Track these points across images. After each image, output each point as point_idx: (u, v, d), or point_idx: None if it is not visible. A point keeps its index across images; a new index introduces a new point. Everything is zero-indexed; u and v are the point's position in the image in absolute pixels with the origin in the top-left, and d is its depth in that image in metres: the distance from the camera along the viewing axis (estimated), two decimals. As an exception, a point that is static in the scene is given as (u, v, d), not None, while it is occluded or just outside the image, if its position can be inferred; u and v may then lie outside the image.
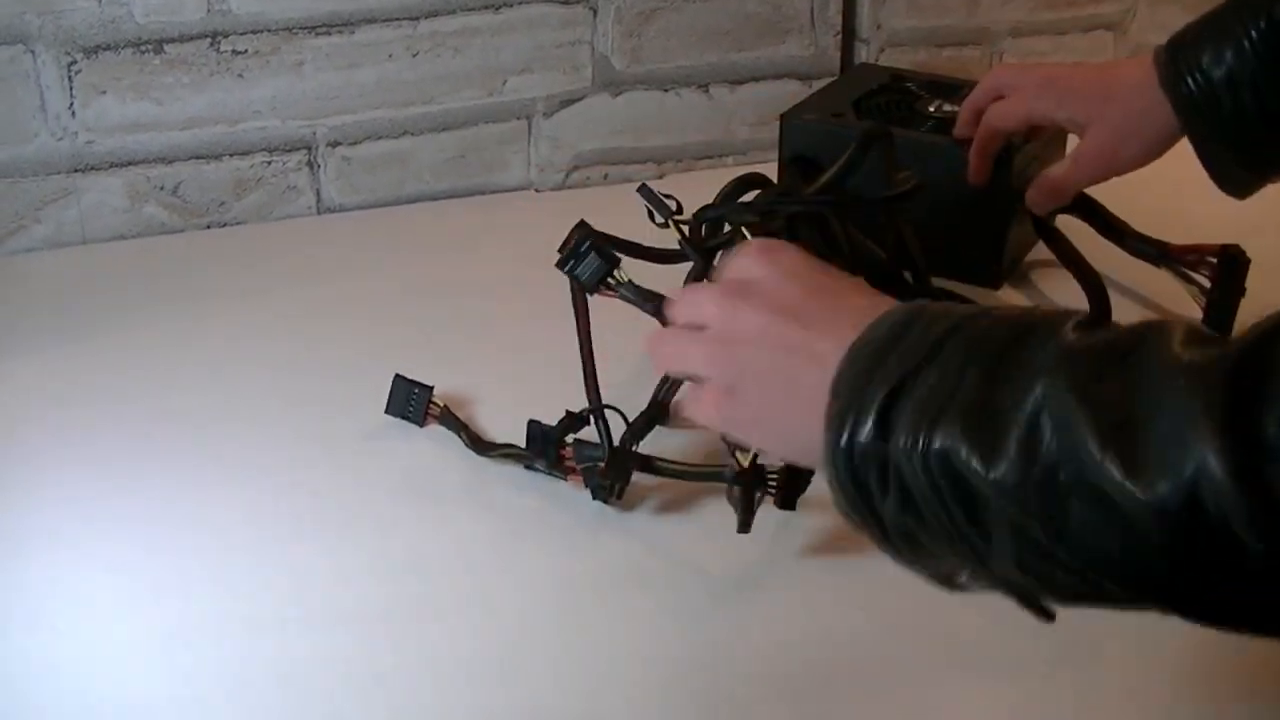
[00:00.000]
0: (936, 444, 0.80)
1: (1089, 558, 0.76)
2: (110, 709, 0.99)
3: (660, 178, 1.77)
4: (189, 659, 1.03)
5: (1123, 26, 1.91)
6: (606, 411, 1.19)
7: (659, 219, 1.23)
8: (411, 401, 1.27)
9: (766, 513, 1.13)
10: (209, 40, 1.57)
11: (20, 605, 1.09)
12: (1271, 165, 1.32)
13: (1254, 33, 1.26)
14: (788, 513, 1.14)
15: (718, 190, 1.43)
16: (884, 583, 1.00)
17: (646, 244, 1.26)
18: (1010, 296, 1.50)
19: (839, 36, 1.79)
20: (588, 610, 1.08)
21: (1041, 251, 1.54)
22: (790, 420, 0.89)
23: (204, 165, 1.62)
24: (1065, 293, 1.48)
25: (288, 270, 1.56)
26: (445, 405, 1.26)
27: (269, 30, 1.59)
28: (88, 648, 1.05)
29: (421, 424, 1.27)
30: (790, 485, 1.14)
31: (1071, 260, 1.48)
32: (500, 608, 1.08)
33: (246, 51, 1.59)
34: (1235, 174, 1.32)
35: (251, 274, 1.56)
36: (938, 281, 1.46)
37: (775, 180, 1.47)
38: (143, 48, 1.55)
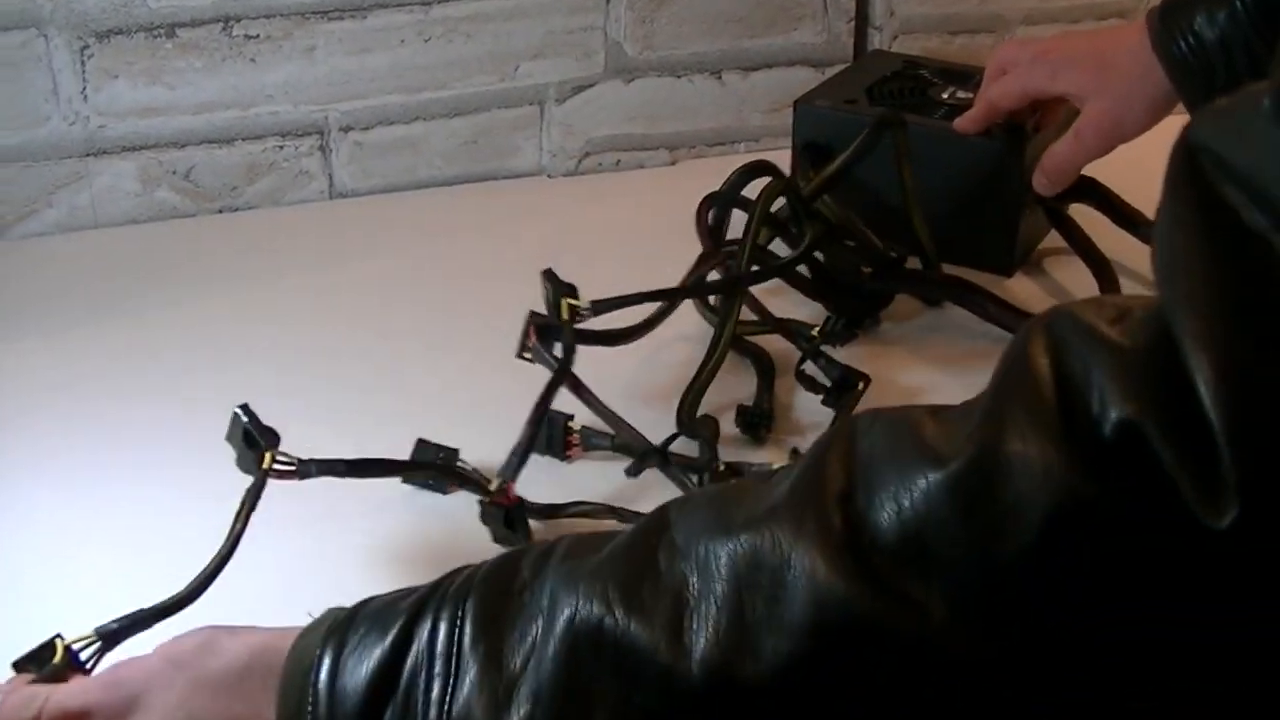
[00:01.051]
0: None
1: None
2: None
3: (673, 164, 1.77)
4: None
5: (1136, 13, 1.90)
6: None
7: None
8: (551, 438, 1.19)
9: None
10: (221, 24, 1.57)
11: (23, 586, 1.10)
12: None
13: None
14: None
15: (726, 178, 1.43)
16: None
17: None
18: (1023, 284, 1.49)
19: (852, 23, 1.79)
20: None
21: (1054, 239, 1.54)
22: None
23: (216, 150, 1.62)
24: (1077, 280, 1.48)
25: (299, 255, 1.56)
26: (584, 427, 1.20)
27: (281, 15, 1.58)
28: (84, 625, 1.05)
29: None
30: None
31: (1083, 247, 1.48)
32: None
33: (259, 36, 1.59)
34: None
35: (263, 258, 1.56)
36: (950, 270, 1.46)
37: (784, 169, 1.46)
38: (155, 32, 1.55)
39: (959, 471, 0.62)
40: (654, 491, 1.17)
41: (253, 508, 1.01)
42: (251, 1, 1.57)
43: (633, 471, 1.17)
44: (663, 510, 0.71)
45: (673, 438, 1.20)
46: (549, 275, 1.19)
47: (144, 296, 1.48)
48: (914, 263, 1.46)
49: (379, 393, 1.29)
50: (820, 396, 1.27)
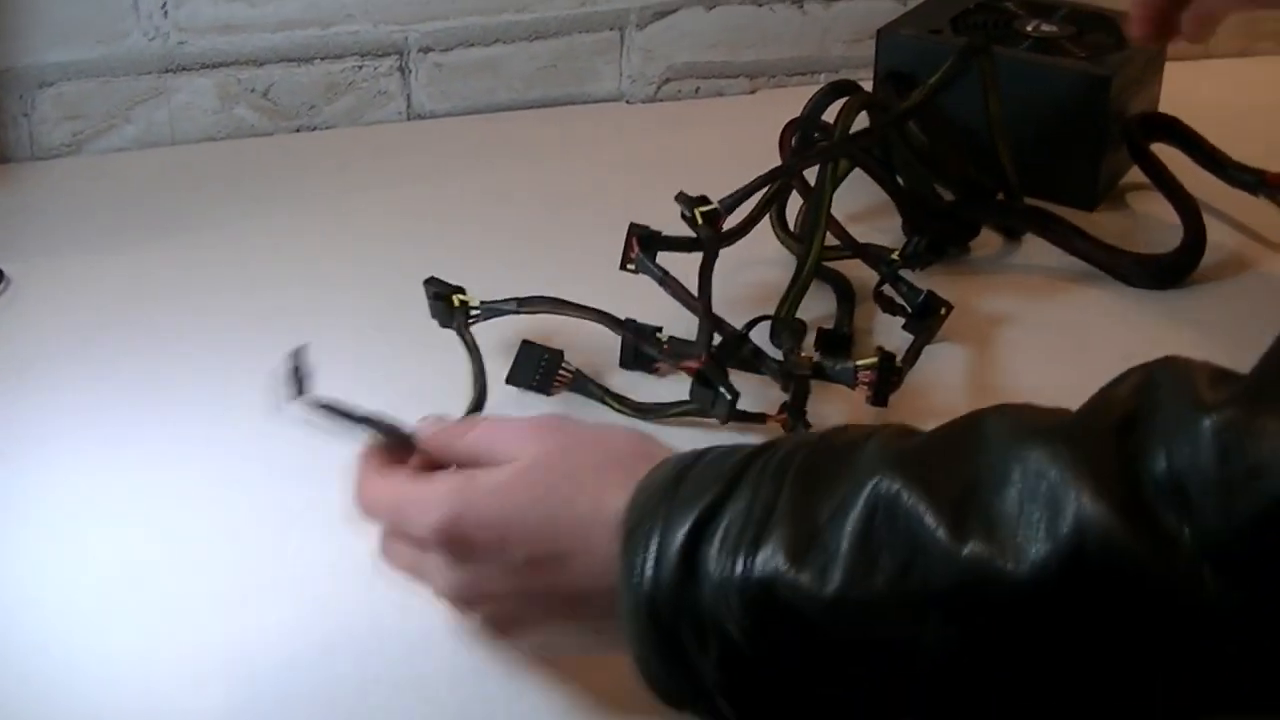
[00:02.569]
0: (757, 571, 0.71)
1: (952, 669, 0.68)
2: (148, 619, 1.00)
3: (753, 93, 1.76)
4: (246, 567, 1.04)
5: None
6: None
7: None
8: (540, 369, 1.19)
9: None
10: (304, -58, 1.57)
11: (80, 495, 1.10)
12: None
13: None
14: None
15: (807, 104, 1.42)
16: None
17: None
18: (1105, 218, 1.48)
19: (937, -46, 1.78)
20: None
21: (1138, 175, 1.53)
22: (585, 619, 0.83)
23: (295, 68, 1.62)
24: (1160, 215, 1.46)
25: (377, 175, 1.56)
26: (579, 369, 1.20)
27: (364, -66, 1.58)
28: (140, 540, 1.06)
29: (549, 393, 1.19)
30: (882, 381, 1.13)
31: (1166, 185, 1.46)
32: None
33: (341, -46, 1.59)
34: None
35: (340, 178, 1.55)
36: (1032, 202, 1.45)
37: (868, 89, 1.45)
38: (237, -52, 1.55)
39: (1220, 425, 0.64)
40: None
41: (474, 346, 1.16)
42: (334, -81, 1.57)
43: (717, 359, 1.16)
44: (977, 412, 0.73)
45: (753, 322, 1.22)
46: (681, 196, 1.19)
47: (220, 213, 1.48)
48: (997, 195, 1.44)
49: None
50: (901, 321, 1.26)
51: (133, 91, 1.58)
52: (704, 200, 1.19)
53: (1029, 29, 1.55)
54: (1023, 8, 1.60)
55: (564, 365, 1.18)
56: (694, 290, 1.15)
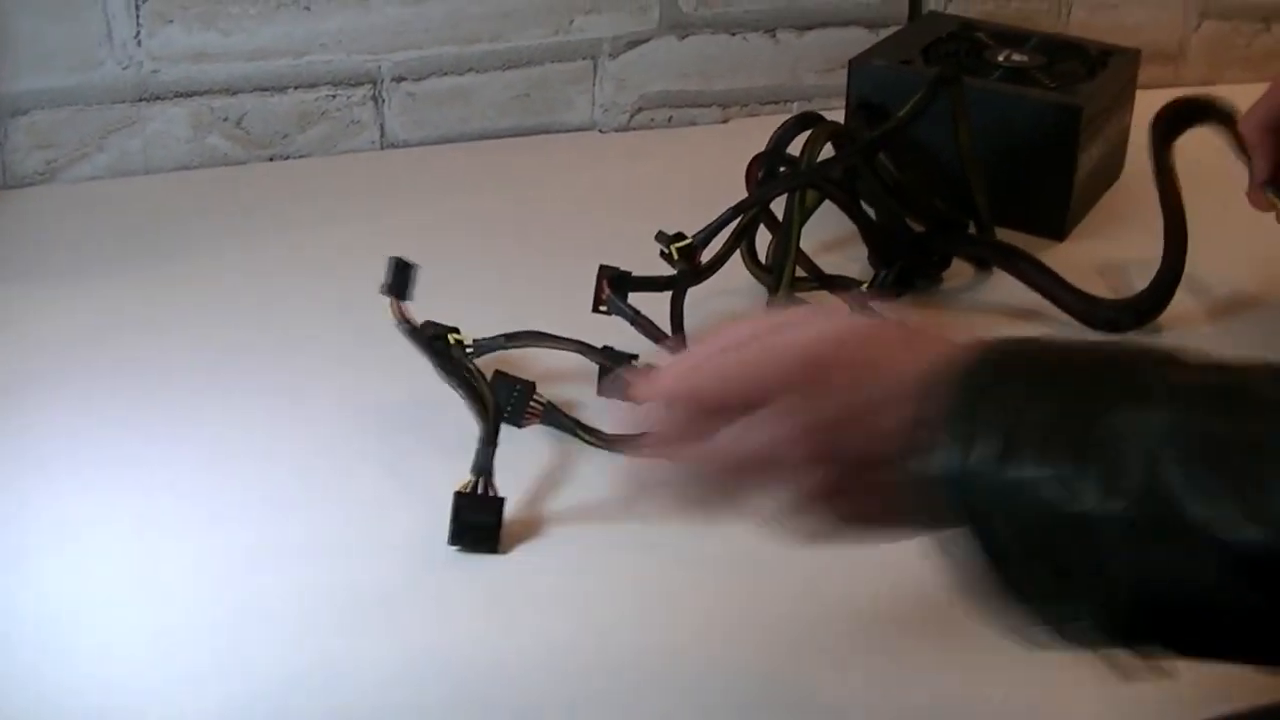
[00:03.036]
0: (1047, 472, 0.73)
1: (1218, 603, 0.70)
2: (151, 634, 1.00)
3: (725, 122, 1.76)
4: (253, 584, 1.04)
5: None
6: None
7: None
8: (512, 401, 1.19)
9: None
10: (277, -29, 1.57)
11: (61, 529, 1.10)
12: None
13: None
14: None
15: (772, 136, 1.42)
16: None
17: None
18: (1076, 247, 1.49)
19: (908, -16, 1.78)
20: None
21: (1106, 205, 1.54)
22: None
23: (268, 97, 1.62)
24: (1133, 247, 1.47)
25: (350, 204, 1.56)
26: (550, 402, 1.20)
27: (337, -37, 1.59)
28: (126, 568, 1.06)
29: (520, 424, 1.19)
30: None
31: (1169, 203, 1.42)
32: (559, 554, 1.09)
33: (314, -16, 1.59)
34: None
35: (313, 207, 1.55)
36: (1002, 232, 1.46)
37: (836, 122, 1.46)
38: (210, -23, 1.56)
39: None
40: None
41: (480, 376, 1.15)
42: (307, -51, 1.57)
43: None
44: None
45: None
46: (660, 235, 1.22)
47: (192, 243, 1.48)
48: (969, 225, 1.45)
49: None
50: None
51: (106, 120, 1.58)
52: (680, 236, 1.20)
53: (1000, 59, 1.56)
54: (994, 38, 1.61)
55: (535, 397, 1.18)
56: (667, 322, 1.16)
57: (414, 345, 1.11)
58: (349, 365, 1.28)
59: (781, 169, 1.41)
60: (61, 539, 1.09)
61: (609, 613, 1.02)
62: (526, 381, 1.18)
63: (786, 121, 1.43)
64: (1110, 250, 1.49)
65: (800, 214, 1.30)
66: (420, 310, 1.17)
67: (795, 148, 1.40)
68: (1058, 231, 1.50)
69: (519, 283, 1.40)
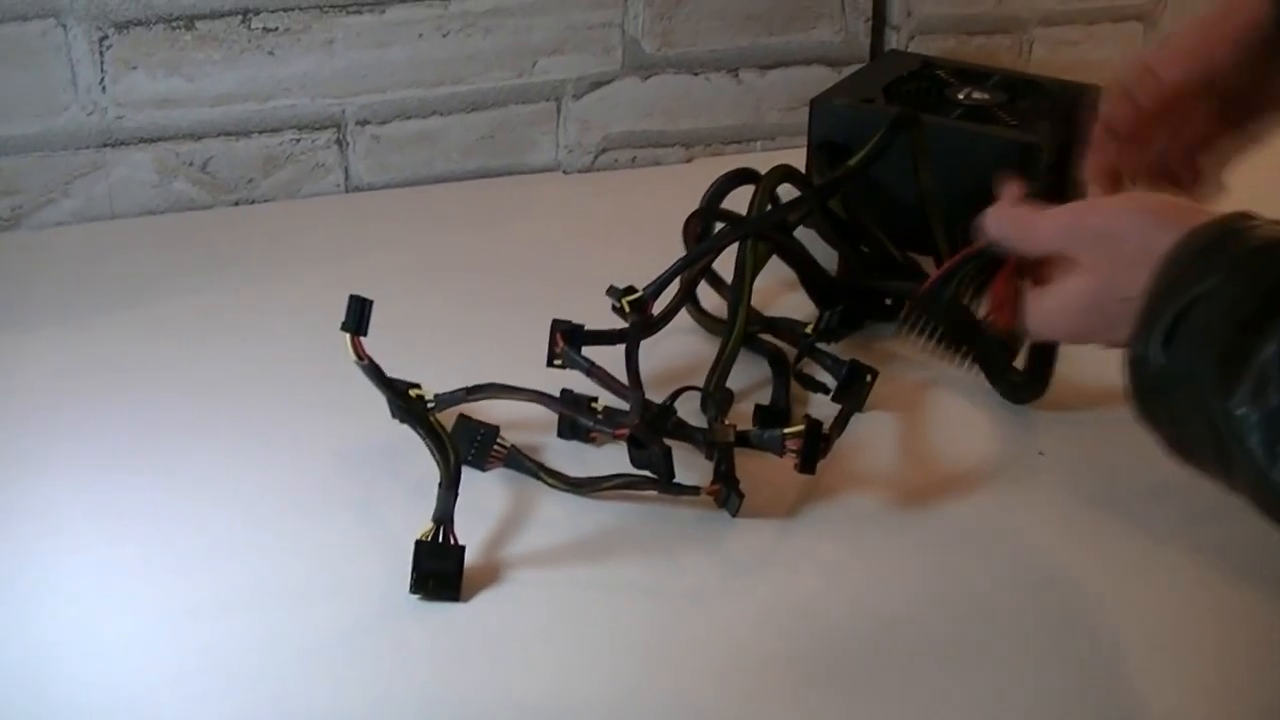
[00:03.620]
0: (1197, 365, 0.81)
1: None
2: (118, 686, 1.00)
3: (688, 161, 1.77)
4: (214, 630, 1.04)
5: (1153, 17, 1.90)
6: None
7: None
8: (476, 444, 1.19)
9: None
10: (240, 17, 1.57)
11: (31, 577, 1.10)
12: None
13: None
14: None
15: (764, 176, 1.43)
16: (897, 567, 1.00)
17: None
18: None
19: (869, 22, 1.79)
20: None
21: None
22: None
23: (233, 142, 1.63)
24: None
25: (315, 248, 1.56)
26: (514, 445, 1.21)
27: (300, 8, 1.59)
28: (102, 616, 1.06)
29: (484, 468, 1.19)
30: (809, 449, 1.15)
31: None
32: (528, 594, 1.09)
33: (277, 29, 1.59)
34: None
35: (279, 251, 1.56)
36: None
37: (799, 167, 1.47)
38: (174, 23, 1.56)
39: None
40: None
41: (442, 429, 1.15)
42: (270, -6, 1.58)
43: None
44: None
45: (679, 392, 1.25)
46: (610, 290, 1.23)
47: (159, 288, 1.48)
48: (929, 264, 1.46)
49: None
50: (827, 394, 1.28)
51: (71, 166, 1.58)
52: (631, 290, 1.21)
53: (960, 96, 1.57)
54: (955, 75, 1.62)
55: (499, 441, 1.19)
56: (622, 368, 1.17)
57: (372, 382, 1.12)
58: (316, 408, 1.28)
59: (721, 223, 1.41)
60: (21, 584, 1.09)
61: (571, 658, 1.02)
62: (490, 426, 1.19)
63: (718, 179, 1.42)
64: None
65: (753, 263, 1.31)
66: (386, 351, 1.17)
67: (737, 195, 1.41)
68: (1020, 269, 1.51)
69: (484, 324, 1.41)
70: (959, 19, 1.83)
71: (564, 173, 1.75)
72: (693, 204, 1.43)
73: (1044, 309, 1.00)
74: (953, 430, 1.27)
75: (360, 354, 1.10)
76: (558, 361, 1.20)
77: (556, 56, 1.69)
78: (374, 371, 1.11)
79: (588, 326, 1.21)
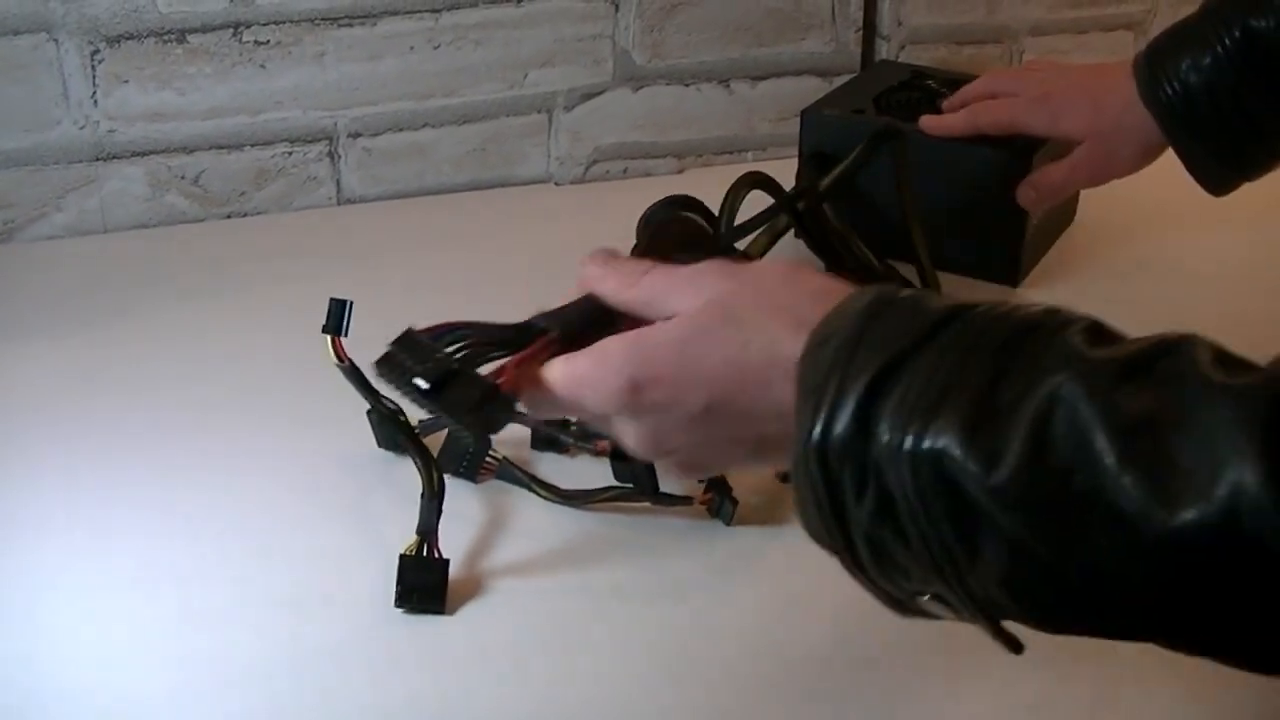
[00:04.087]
0: (927, 445, 0.73)
1: (1096, 581, 0.71)
2: (109, 697, 1.00)
3: (680, 172, 1.77)
4: (200, 645, 1.04)
5: (1144, 26, 1.90)
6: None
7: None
8: (466, 456, 1.20)
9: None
10: (231, 30, 1.58)
11: (25, 589, 1.10)
12: (1252, 164, 1.35)
13: (1228, 41, 1.29)
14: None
15: (730, 187, 1.43)
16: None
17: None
18: (1029, 295, 1.50)
19: (860, 33, 1.79)
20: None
21: (1060, 250, 1.55)
22: (763, 445, 0.87)
23: (225, 155, 1.63)
24: (1086, 290, 1.48)
25: (307, 260, 1.56)
26: (505, 457, 1.21)
27: (291, 21, 1.59)
28: (92, 628, 1.06)
29: (475, 480, 1.21)
30: None
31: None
32: (512, 602, 1.09)
33: (269, 42, 1.59)
34: (1215, 173, 1.36)
35: (272, 264, 1.56)
36: (954, 279, 1.47)
37: (790, 178, 1.47)
38: (165, 37, 1.56)
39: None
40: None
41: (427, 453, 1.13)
42: (261, 8, 1.57)
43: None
44: (1178, 340, 0.74)
45: None
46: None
47: (152, 301, 1.48)
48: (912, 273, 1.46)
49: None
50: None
51: (63, 180, 1.59)
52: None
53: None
54: (945, 85, 1.62)
55: (491, 453, 1.19)
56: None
57: (352, 385, 1.12)
58: (308, 420, 1.28)
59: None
60: (13, 594, 1.09)
61: (559, 667, 1.02)
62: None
63: (653, 205, 1.39)
64: (1064, 296, 1.49)
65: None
66: (370, 368, 1.18)
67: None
68: (1012, 278, 1.51)
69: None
70: (949, 29, 1.84)
71: (555, 184, 1.75)
72: (684, 215, 1.43)
73: (635, 352, 0.88)
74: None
75: (341, 356, 1.10)
76: None
77: (547, 68, 1.70)
78: (354, 374, 1.11)
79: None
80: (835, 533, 0.79)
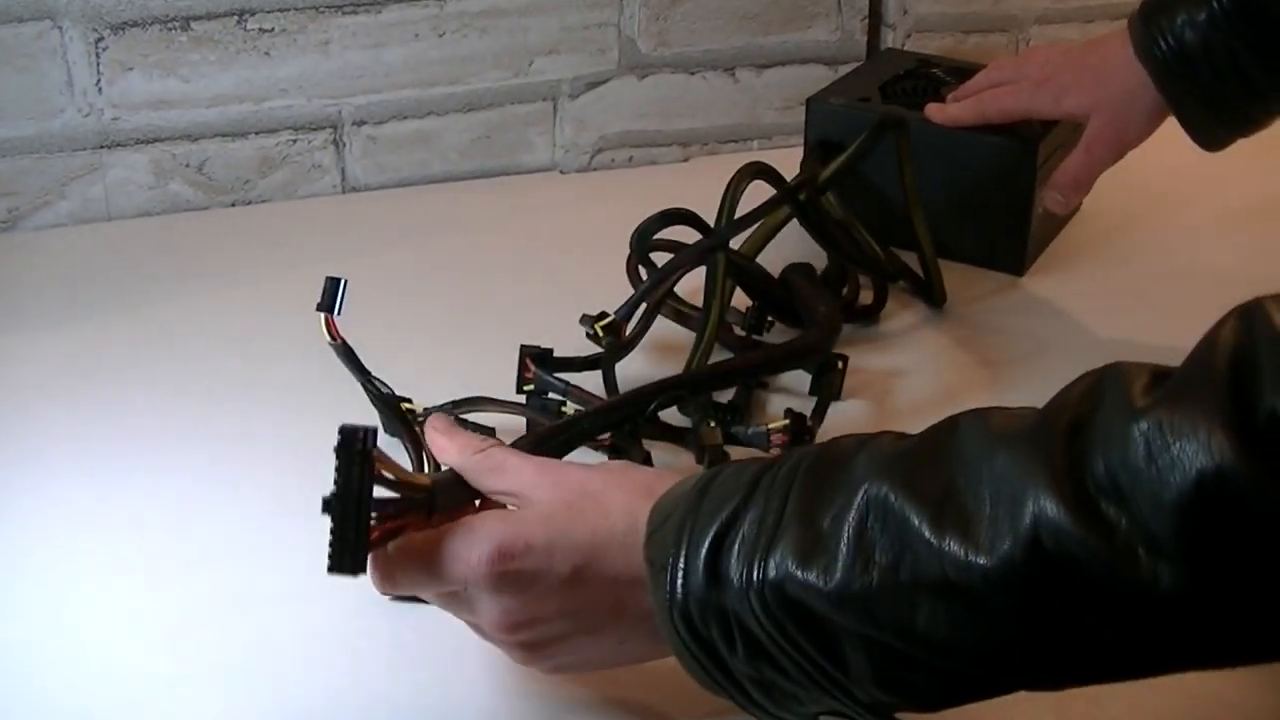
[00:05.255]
0: (770, 574, 0.80)
1: (944, 650, 0.77)
2: (109, 686, 1.00)
3: (685, 161, 1.77)
4: (205, 633, 1.04)
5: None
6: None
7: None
8: None
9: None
10: (236, 18, 1.57)
11: (22, 575, 1.10)
12: (1246, 120, 1.34)
13: None
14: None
15: (731, 177, 1.42)
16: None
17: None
18: (1034, 284, 1.50)
19: (865, 21, 1.79)
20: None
21: (1065, 239, 1.54)
22: (623, 635, 0.90)
23: (229, 143, 1.63)
24: (1092, 278, 1.48)
25: (312, 249, 1.56)
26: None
27: (296, 8, 1.59)
28: (94, 619, 1.06)
29: None
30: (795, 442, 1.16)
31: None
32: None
33: (273, 29, 1.59)
34: (1211, 130, 1.35)
35: (276, 252, 1.56)
36: (960, 268, 1.47)
37: (794, 166, 1.47)
38: (170, 24, 1.56)
39: (1149, 429, 0.71)
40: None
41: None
42: (266, -5, 1.58)
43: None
44: (954, 418, 0.82)
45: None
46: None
47: (156, 289, 1.48)
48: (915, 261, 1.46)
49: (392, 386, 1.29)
50: (805, 383, 1.30)
51: (68, 168, 1.58)
52: (603, 315, 1.23)
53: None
54: (951, 74, 1.61)
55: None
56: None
57: (344, 364, 1.12)
58: (312, 409, 1.28)
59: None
60: (11, 585, 1.09)
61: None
62: (485, 429, 1.19)
63: (649, 220, 1.39)
64: (1069, 285, 1.50)
65: (723, 278, 1.30)
66: (382, 352, 1.17)
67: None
68: (1017, 268, 1.51)
69: (481, 325, 1.41)
70: (955, 17, 1.83)
71: (560, 173, 1.75)
72: (691, 203, 1.42)
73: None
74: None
75: (334, 334, 1.11)
76: (529, 387, 1.21)
77: (553, 56, 1.69)
78: (346, 352, 1.11)
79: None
80: (725, 684, 0.84)
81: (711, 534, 0.82)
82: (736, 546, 0.81)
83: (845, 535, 0.78)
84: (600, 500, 0.90)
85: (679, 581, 0.83)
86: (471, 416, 1.20)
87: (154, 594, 1.08)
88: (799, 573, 0.79)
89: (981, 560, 0.73)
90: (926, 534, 0.75)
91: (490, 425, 1.19)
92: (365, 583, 1.06)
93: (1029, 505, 0.73)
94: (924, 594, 0.75)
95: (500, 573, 0.87)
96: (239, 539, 1.13)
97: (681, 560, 0.83)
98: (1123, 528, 0.71)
